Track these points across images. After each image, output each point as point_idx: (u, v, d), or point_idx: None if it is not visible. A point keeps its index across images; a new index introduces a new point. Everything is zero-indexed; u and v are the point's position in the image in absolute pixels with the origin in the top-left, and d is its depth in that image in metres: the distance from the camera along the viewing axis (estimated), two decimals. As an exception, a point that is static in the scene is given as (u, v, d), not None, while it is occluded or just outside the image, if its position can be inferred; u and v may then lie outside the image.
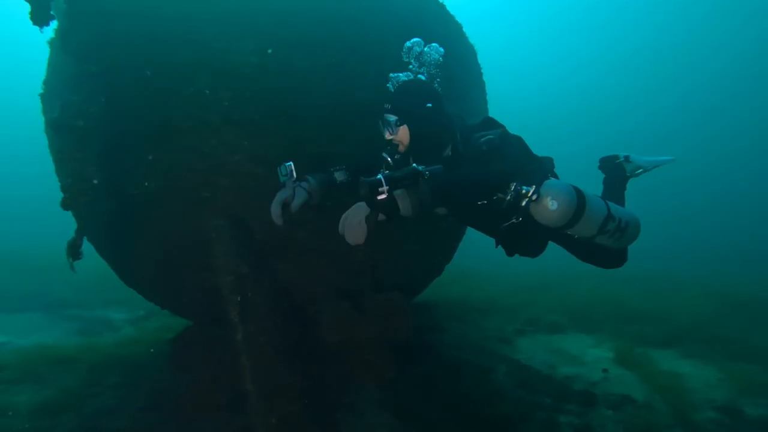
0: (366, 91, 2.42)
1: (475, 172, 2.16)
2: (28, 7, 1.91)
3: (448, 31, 3.14)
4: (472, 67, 3.44)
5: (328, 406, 2.66)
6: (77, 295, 7.21)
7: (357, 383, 2.80)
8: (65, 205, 2.02)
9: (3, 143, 32.09)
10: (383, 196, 1.87)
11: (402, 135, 2.30)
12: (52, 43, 2.68)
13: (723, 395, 3.83)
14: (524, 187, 2.15)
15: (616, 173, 3.05)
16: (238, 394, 2.33)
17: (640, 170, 3.06)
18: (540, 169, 2.37)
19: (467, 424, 2.95)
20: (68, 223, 2.67)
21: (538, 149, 2.51)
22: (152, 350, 3.86)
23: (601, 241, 2.33)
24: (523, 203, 2.15)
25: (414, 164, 2.00)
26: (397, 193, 1.89)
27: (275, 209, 2.08)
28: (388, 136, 2.30)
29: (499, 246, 2.50)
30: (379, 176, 1.89)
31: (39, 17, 1.89)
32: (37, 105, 2.91)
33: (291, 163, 2.12)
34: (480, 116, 3.58)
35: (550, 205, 2.13)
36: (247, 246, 2.28)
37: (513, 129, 2.45)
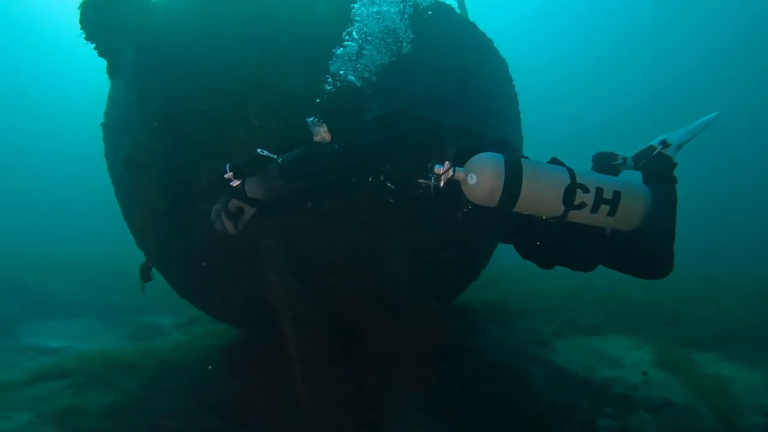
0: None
1: (334, 148, 2.06)
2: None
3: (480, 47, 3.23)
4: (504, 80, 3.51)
5: (371, 410, 2.80)
6: (127, 302, 7.60)
7: (397, 388, 2.93)
8: (138, 233, 2.23)
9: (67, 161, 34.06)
10: (235, 183, 1.96)
11: (324, 134, 2.18)
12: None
13: (772, 400, 3.68)
14: (437, 165, 2.04)
15: (660, 166, 2.54)
16: (289, 398, 2.50)
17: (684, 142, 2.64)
18: (476, 148, 2.11)
19: (505, 426, 3.01)
20: (116, 231, 2.86)
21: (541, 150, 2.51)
22: (204, 357, 4.09)
23: (601, 223, 2.08)
24: (442, 184, 2.03)
25: (259, 150, 2.00)
26: (248, 179, 1.98)
27: (227, 222, 2.09)
28: (316, 138, 2.19)
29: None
30: (227, 165, 1.98)
31: (114, 71, 2.12)
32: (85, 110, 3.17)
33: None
34: (513, 127, 3.66)
35: (470, 180, 1.99)
36: (296, 263, 2.45)
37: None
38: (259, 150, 2.00)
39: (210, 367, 3.57)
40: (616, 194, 2.03)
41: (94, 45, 2.11)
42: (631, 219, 2.11)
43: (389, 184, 2.13)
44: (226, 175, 1.97)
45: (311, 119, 2.20)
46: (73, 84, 33.23)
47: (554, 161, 2.20)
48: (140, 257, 3.06)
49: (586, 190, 2.01)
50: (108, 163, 3.24)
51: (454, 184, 2.04)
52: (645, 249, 2.23)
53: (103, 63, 2.52)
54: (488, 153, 2.03)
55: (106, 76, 2.55)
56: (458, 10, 3.43)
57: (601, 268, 2.37)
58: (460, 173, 2.03)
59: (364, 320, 2.72)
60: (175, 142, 2.32)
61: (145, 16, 2.17)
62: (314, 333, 2.38)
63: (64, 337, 6.19)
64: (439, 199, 2.09)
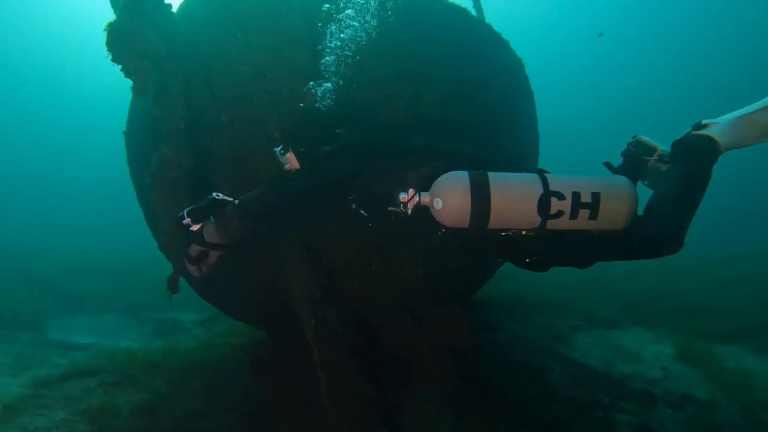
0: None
1: (288, 186, 2.04)
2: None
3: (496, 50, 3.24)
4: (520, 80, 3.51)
5: (393, 409, 2.87)
6: (149, 299, 7.79)
7: (418, 387, 2.98)
8: (164, 247, 2.31)
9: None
10: (195, 228, 1.95)
11: (293, 162, 2.22)
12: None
13: (798, 393, 3.63)
14: (401, 193, 1.97)
15: (690, 146, 2.20)
16: (312, 398, 2.58)
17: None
18: (447, 168, 1.98)
19: (523, 423, 3.03)
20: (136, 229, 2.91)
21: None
22: (227, 356, 4.18)
23: (586, 227, 1.94)
24: (409, 211, 1.96)
25: (214, 194, 2.00)
26: (206, 223, 1.96)
27: (190, 268, 2.17)
28: (285, 167, 2.24)
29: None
30: (184, 211, 1.97)
31: (140, 91, 2.20)
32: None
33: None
34: (528, 125, 3.63)
35: (436, 205, 1.88)
36: (319, 271, 2.50)
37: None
38: (214, 194, 1.99)
39: (234, 367, 3.67)
40: (595, 196, 1.88)
41: (120, 66, 2.18)
42: (617, 219, 1.94)
43: (362, 212, 2.08)
44: (184, 221, 1.96)
45: (278, 149, 2.21)
46: (97, 80, 33.85)
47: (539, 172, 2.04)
48: (161, 257, 3.14)
49: (561, 197, 1.87)
50: (130, 170, 3.33)
51: (422, 210, 1.95)
52: (644, 238, 2.09)
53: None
54: (453, 173, 1.91)
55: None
56: (474, 11, 3.41)
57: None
58: (426, 198, 1.93)
59: (384, 322, 2.77)
60: (198, 155, 2.39)
61: (168, 39, 2.23)
62: (336, 336, 2.44)
63: (90, 333, 6.40)
64: (415, 224, 2.02)
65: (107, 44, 2.20)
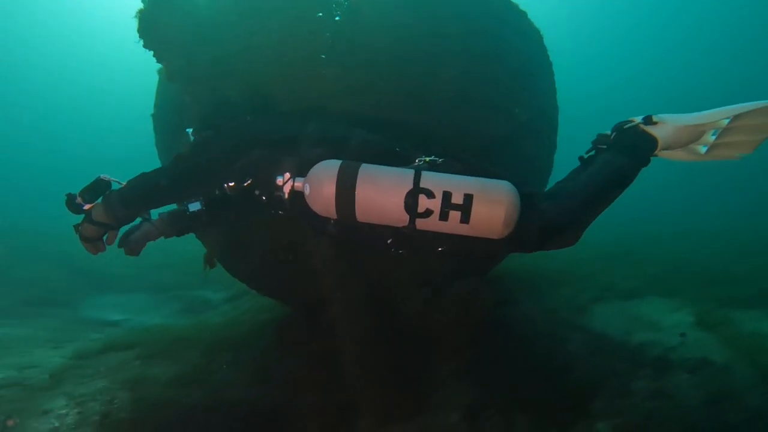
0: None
1: (154, 173, 2.02)
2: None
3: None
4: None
5: (413, 379, 2.99)
6: (178, 278, 8.05)
7: (439, 360, 3.10)
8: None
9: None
10: (87, 207, 1.98)
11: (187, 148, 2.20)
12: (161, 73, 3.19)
13: (817, 356, 3.58)
14: (278, 177, 1.96)
15: (627, 140, 2.09)
16: (338, 371, 2.71)
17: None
18: (333, 155, 1.90)
19: (541, 393, 3.10)
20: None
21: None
22: (254, 331, 4.36)
23: (461, 231, 1.78)
24: (286, 196, 1.96)
25: (101, 175, 2.02)
26: (96, 203, 1.99)
27: (120, 242, 2.22)
28: (183, 150, 2.20)
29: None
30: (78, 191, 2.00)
31: (171, 76, 2.31)
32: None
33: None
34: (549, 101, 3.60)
35: (305, 190, 1.83)
36: (343, 249, 2.60)
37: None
38: (101, 175, 2.01)
39: (261, 342, 3.83)
40: (468, 198, 1.71)
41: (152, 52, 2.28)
42: (492, 226, 1.75)
43: (263, 198, 2.08)
44: (77, 200, 2.00)
45: (189, 130, 2.22)
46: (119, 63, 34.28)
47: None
48: (186, 238, 3.27)
49: (431, 194, 1.72)
50: (158, 152, 3.46)
51: (299, 196, 1.91)
52: (545, 220, 1.92)
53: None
54: (328, 161, 1.83)
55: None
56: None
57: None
58: (299, 183, 1.88)
59: (405, 297, 2.87)
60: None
61: (195, 24, 2.30)
62: (359, 311, 2.55)
63: (122, 311, 6.68)
64: (299, 210, 1.98)
65: (138, 31, 2.29)
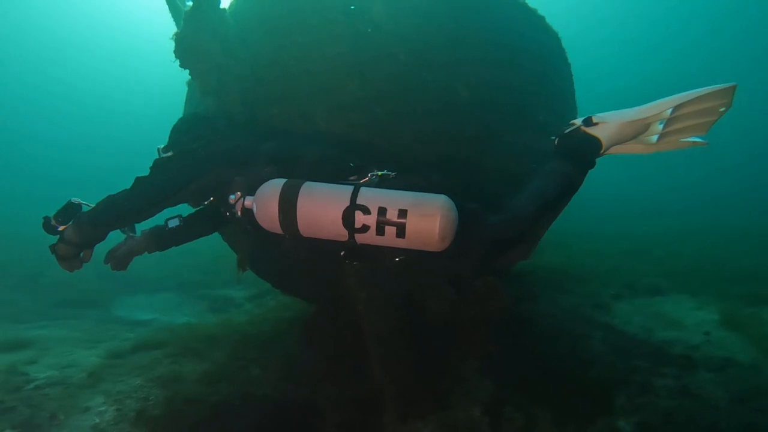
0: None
1: (118, 195, 2.08)
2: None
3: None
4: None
5: (435, 375, 3.06)
6: (202, 277, 8.25)
7: (460, 356, 3.15)
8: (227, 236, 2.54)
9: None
10: (61, 228, 2.06)
11: None
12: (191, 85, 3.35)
13: None
14: (231, 195, 2.07)
15: (571, 145, 2.10)
16: (361, 368, 2.79)
17: None
18: (286, 173, 1.99)
19: (561, 389, 3.12)
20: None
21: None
22: (279, 329, 4.48)
23: (402, 245, 1.82)
24: (239, 213, 2.05)
25: (71, 198, 2.10)
26: (69, 224, 2.06)
27: (106, 257, 2.36)
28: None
29: None
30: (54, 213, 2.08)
31: (205, 91, 2.44)
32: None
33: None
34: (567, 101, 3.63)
35: (254, 208, 1.95)
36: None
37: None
38: (71, 199, 2.10)
39: (286, 339, 3.94)
40: (402, 213, 1.74)
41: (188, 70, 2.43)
42: (427, 240, 1.77)
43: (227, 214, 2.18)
44: (52, 222, 2.09)
45: (160, 147, 2.34)
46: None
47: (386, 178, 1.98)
48: (210, 239, 3.37)
49: (367, 210, 1.77)
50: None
51: (250, 213, 2.00)
52: (495, 239, 1.99)
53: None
54: (274, 180, 1.93)
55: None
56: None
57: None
58: (248, 201, 1.99)
59: (428, 294, 2.93)
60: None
61: (225, 43, 2.44)
62: (383, 308, 2.62)
63: (150, 310, 6.89)
64: (251, 226, 2.07)
65: (175, 52, 2.48)
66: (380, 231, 1.78)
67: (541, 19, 3.26)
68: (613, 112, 2.05)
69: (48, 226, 2.09)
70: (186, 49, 2.44)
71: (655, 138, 2.03)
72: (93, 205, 2.11)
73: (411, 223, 1.74)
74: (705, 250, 7.44)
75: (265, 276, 3.56)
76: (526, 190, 2.07)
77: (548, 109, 3.13)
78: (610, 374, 3.39)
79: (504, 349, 3.38)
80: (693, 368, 3.53)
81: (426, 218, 1.73)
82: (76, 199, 2.12)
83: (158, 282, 8.24)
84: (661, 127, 2.00)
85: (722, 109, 1.93)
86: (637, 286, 5.80)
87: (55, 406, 3.20)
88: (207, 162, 2.15)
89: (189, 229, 2.48)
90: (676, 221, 12.16)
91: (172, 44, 2.49)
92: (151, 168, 2.20)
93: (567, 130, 2.08)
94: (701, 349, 3.88)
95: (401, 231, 1.75)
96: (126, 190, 2.10)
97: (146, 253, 2.46)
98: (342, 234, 1.83)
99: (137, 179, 2.12)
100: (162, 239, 2.46)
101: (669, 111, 1.96)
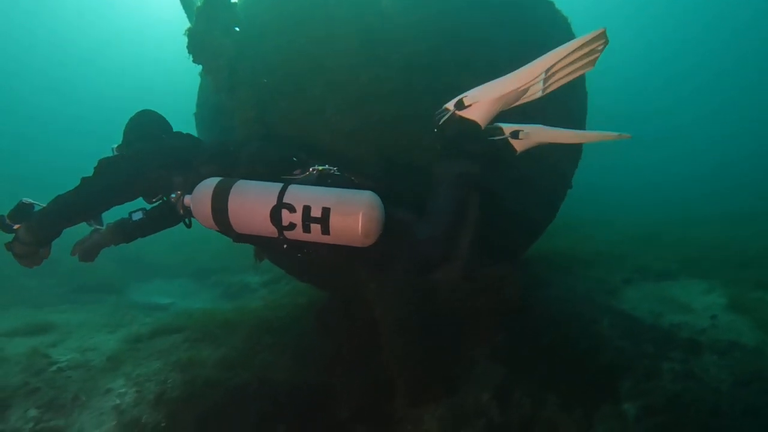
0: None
1: (65, 195, 2.10)
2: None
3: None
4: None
5: (446, 360, 3.15)
6: (218, 264, 8.36)
7: (469, 342, 3.23)
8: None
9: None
10: (16, 227, 2.09)
11: None
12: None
13: None
14: (172, 195, 2.16)
15: (452, 136, 2.05)
16: (375, 354, 2.89)
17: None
18: (214, 174, 2.04)
19: (570, 373, 3.19)
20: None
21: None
22: (293, 315, 4.57)
23: (330, 241, 1.85)
24: (181, 211, 2.16)
25: (23, 199, 2.13)
26: (23, 224, 2.09)
27: (73, 249, 2.42)
28: None
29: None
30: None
31: (219, 87, 2.50)
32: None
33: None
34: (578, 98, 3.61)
35: (192, 207, 2.01)
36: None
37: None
38: (23, 199, 2.13)
39: (300, 325, 4.03)
40: (326, 211, 1.80)
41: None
42: (351, 236, 1.82)
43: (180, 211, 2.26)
44: (6, 221, 2.13)
45: (114, 146, 2.43)
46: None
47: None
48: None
49: (292, 209, 1.83)
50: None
51: (189, 211, 2.09)
52: (419, 260, 2.05)
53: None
54: (209, 179, 1.99)
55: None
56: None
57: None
58: (187, 200, 2.06)
59: (439, 281, 3.00)
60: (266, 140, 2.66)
61: (237, 40, 2.50)
62: (395, 295, 2.70)
63: (167, 296, 7.04)
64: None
65: (188, 48, 2.53)
66: (306, 228, 1.83)
67: (565, 19, 3.27)
68: (485, 86, 1.97)
69: (3, 225, 2.15)
70: (199, 45, 2.49)
71: (539, 93, 1.96)
72: (44, 205, 2.16)
73: (334, 220, 1.79)
74: (714, 236, 7.37)
75: (278, 263, 3.66)
76: (429, 214, 2.05)
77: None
78: (617, 359, 3.44)
79: (513, 334, 3.44)
80: (699, 352, 3.56)
81: (348, 216, 1.78)
82: (27, 199, 2.19)
83: (174, 268, 8.38)
84: (542, 85, 1.93)
85: (601, 48, 1.86)
86: (646, 271, 5.76)
87: (77, 388, 3.34)
88: (148, 162, 2.22)
89: (153, 222, 2.54)
90: (692, 209, 12.01)
91: (172, 40, 2.57)
92: (95, 168, 2.22)
93: (442, 119, 2.03)
94: (708, 333, 3.91)
95: (326, 228, 1.81)
96: (72, 190, 2.12)
97: (112, 245, 2.52)
98: (272, 231, 1.89)
99: (83, 179, 2.15)
100: (127, 231, 2.51)
101: (543, 73, 1.89)
